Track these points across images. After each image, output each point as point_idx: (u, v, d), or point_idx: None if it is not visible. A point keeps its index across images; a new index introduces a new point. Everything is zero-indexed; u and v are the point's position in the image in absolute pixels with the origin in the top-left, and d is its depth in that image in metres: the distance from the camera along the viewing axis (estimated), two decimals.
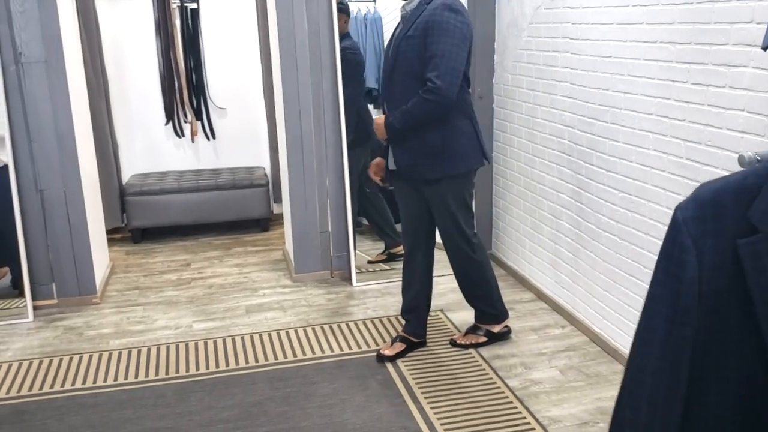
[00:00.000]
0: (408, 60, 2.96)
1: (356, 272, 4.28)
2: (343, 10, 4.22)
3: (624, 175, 3.02)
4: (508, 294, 4.03)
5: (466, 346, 3.33)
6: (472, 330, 3.41)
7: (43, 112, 3.81)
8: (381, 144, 3.32)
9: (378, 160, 3.29)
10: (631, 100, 2.92)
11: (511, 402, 2.87)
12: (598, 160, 3.21)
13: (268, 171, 5.67)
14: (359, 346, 3.42)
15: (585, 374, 3.10)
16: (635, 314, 3.02)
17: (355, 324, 3.68)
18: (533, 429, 2.68)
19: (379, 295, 4.08)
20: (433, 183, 3.06)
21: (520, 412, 2.79)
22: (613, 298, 3.19)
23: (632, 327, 3.03)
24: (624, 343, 3.13)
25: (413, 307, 3.34)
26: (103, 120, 5.04)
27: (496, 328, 3.38)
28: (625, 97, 2.96)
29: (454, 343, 3.36)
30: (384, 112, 3.14)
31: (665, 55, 2.69)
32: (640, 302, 2.97)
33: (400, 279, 3.39)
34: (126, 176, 5.55)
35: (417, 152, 3.03)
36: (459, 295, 3.45)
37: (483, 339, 3.37)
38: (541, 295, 3.93)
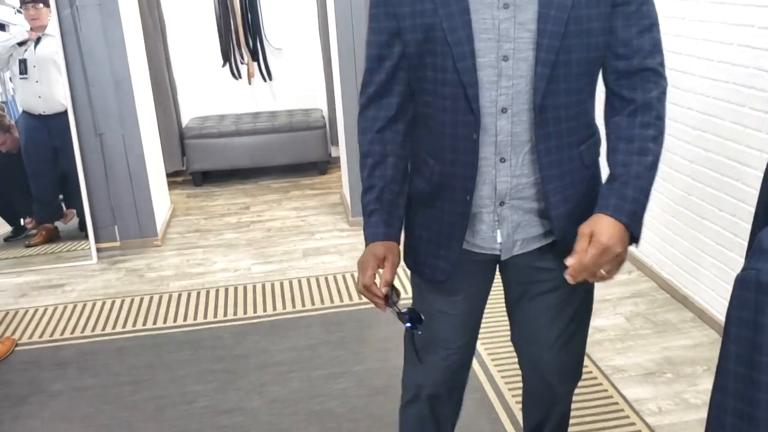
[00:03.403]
0: (589, 36, 1.33)
1: None
2: None
3: (698, 111, 2.79)
4: None
5: None
6: None
7: (99, 56, 3.80)
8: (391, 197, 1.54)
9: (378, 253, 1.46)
10: (707, 26, 2.67)
11: None
12: (671, 95, 2.98)
13: (326, 113, 5.58)
14: None
15: (652, 322, 2.95)
16: (707, 259, 2.84)
17: None
18: (595, 378, 2.57)
19: None
20: None
21: None
22: (683, 242, 3.01)
23: (704, 273, 2.85)
24: (694, 289, 2.95)
25: None
26: (160, 63, 5.02)
27: None
28: (701, 24, 2.71)
29: None
30: (502, 160, 1.40)
31: None
32: (712, 247, 2.79)
33: None
34: (185, 119, 5.55)
35: (582, 188, 1.46)
36: None
37: None
38: None
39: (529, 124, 1.35)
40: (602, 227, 1.29)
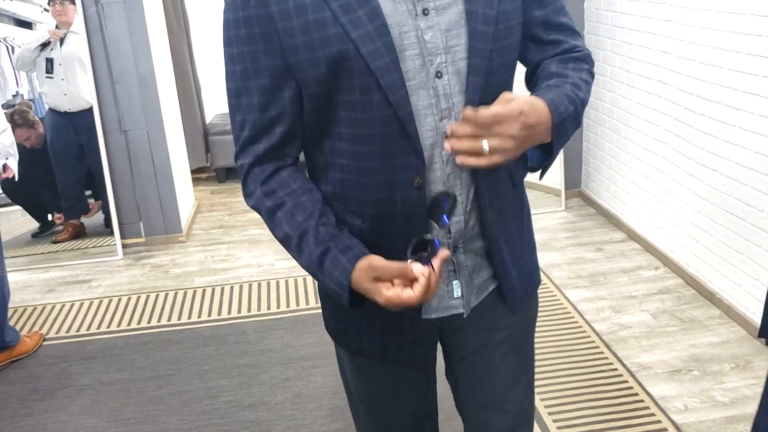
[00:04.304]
0: (512, 36, 1.16)
1: None
2: None
3: (728, 105, 2.75)
4: (597, 234, 3.84)
5: None
6: None
7: (124, 54, 3.84)
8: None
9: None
10: (738, 18, 2.62)
11: (598, 347, 2.74)
12: (700, 89, 2.93)
13: None
14: None
15: (679, 319, 2.91)
16: (737, 255, 2.79)
17: None
18: (620, 375, 2.55)
19: None
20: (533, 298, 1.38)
21: (606, 358, 2.66)
22: (712, 239, 2.96)
23: (732, 269, 2.81)
24: (722, 286, 2.91)
25: None
26: (184, 60, 5.06)
27: None
28: (731, 16, 2.66)
29: None
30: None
31: None
32: (742, 243, 2.74)
33: None
34: (209, 116, 5.59)
35: (514, 212, 1.28)
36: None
37: None
38: (633, 235, 3.72)
39: None
40: (528, 98, 1.04)
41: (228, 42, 1.08)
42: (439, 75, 1.06)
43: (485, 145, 1.00)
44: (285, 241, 1.13)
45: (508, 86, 1.15)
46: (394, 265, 1.02)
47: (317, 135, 1.13)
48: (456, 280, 1.20)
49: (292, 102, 1.09)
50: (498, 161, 1.02)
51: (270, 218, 1.13)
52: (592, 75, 1.21)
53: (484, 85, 1.08)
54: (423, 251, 1.03)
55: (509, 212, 1.21)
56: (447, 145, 1.03)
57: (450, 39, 1.06)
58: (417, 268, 1.01)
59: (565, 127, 1.09)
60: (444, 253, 1.02)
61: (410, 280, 1.02)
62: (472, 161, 1.02)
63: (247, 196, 1.16)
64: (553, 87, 1.12)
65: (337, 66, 1.03)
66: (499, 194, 1.17)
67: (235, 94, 1.11)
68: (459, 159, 1.03)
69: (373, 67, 1.02)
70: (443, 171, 1.10)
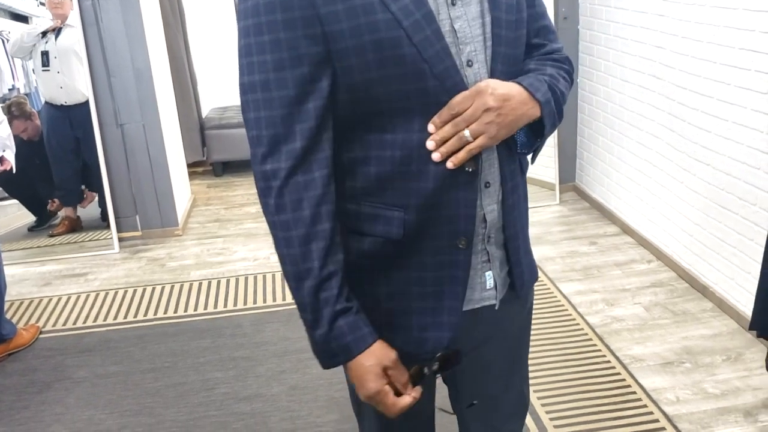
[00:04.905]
0: (523, 26, 1.20)
1: None
2: None
3: (721, 100, 2.77)
4: (591, 228, 3.86)
5: None
6: None
7: (120, 47, 3.84)
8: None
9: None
10: (731, 13, 2.64)
11: (591, 340, 2.76)
12: (694, 84, 2.95)
13: None
14: None
15: (671, 311, 2.94)
16: (729, 249, 2.81)
17: None
18: (613, 367, 2.57)
19: None
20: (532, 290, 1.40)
21: (599, 350, 2.68)
22: (704, 232, 2.99)
23: (725, 262, 2.83)
24: (715, 279, 2.93)
25: None
26: (181, 54, 5.06)
27: None
28: (723, 11, 2.68)
29: None
30: None
31: None
32: (734, 236, 2.77)
33: None
34: (205, 110, 5.59)
35: (521, 198, 1.26)
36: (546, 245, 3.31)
37: None
38: (626, 229, 3.74)
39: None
40: (506, 83, 1.06)
41: (257, 30, 0.99)
42: (470, 63, 1.06)
43: (466, 132, 1.02)
44: (303, 271, 1.04)
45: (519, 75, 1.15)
46: (406, 373, 1.08)
47: (350, 128, 1.07)
48: (489, 271, 1.17)
49: (329, 95, 1.03)
50: (484, 143, 1.04)
51: (305, 243, 1.03)
52: (570, 77, 1.21)
53: (509, 71, 1.09)
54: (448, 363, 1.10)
55: (522, 199, 1.21)
56: (436, 155, 1.04)
57: (476, 28, 1.06)
58: (414, 392, 1.09)
59: (549, 105, 1.10)
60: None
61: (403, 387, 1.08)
62: (462, 155, 1.04)
63: (294, 206, 1.03)
64: (529, 75, 1.13)
65: (384, 53, 0.99)
66: (517, 182, 1.17)
67: (262, 87, 1.01)
68: (450, 162, 1.04)
69: (425, 56, 1.00)
70: (480, 159, 1.08)
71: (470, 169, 1.07)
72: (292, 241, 1.04)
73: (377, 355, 1.05)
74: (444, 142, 1.04)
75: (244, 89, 1.03)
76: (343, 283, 1.06)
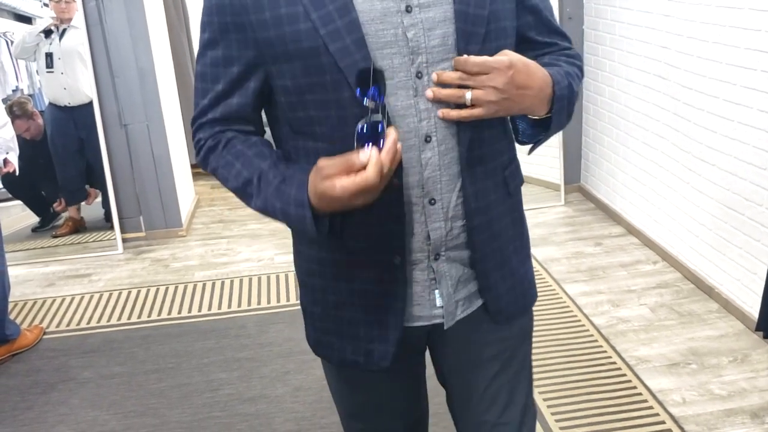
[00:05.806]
0: (505, 37, 1.13)
1: None
2: None
3: (727, 100, 2.75)
4: (596, 228, 3.85)
5: None
6: None
7: (123, 48, 3.84)
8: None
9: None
10: (737, 13, 2.63)
11: (597, 341, 2.75)
12: (699, 84, 2.94)
13: None
14: None
15: (677, 312, 2.92)
16: (735, 250, 2.80)
17: None
18: (619, 369, 2.56)
19: None
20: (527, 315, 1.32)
21: (605, 351, 2.67)
22: (710, 233, 2.97)
23: (731, 263, 2.82)
24: (720, 280, 2.92)
25: None
26: (184, 54, 5.06)
27: None
28: (729, 11, 2.67)
29: None
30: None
31: None
32: (740, 237, 2.75)
33: None
34: None
35: (507, 222, 1.21)
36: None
37: None
38: (631, 230, 3.73)
39: (457, 151, 1.07)
40: (525, 58, 1.02)
41: (203, 28, 1.07)
42: (419, 75, 1.02)
43: (468, 94, 1.00)
44: (232, 183, 1.08)
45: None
46: (338, 157, 0.92)
47: (290, 134, 1.10)
48: (436, 289, 1.14)
49: (254, 93, 1.08)
50: (479, 114, 1.01)
51: (221, 166, 1.09)
52: (582, 73, 1.19)
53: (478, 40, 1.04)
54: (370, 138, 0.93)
55: (502, 221, 1.16)
56: (429, 92, 1.02)
57: (433, 38, 1.01)
58: (363, 154, 0.90)
59: (562, 104, 1.08)
60: (391, 133, 0.91)
61: (362, 168, 0.90)
62: (453, 114, 1.02)
63: (204, 146, 1.11)
64: (550, 65, 1.11)
65: (308, 62, 1.00)
66: (490, 201, 1.13)
67: (202, 78, 1.10)
68: (440, 112, 1.03)
69: (342, 65, 0.98)
70: (421, 174, 1.06)
71: (396, 184, 1.03)
72: (214, 167, 1.11)
73: (315, 178, 0.95)
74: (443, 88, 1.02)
75: (195, 77, 1.12)
76: (276, 166, 1.05)
